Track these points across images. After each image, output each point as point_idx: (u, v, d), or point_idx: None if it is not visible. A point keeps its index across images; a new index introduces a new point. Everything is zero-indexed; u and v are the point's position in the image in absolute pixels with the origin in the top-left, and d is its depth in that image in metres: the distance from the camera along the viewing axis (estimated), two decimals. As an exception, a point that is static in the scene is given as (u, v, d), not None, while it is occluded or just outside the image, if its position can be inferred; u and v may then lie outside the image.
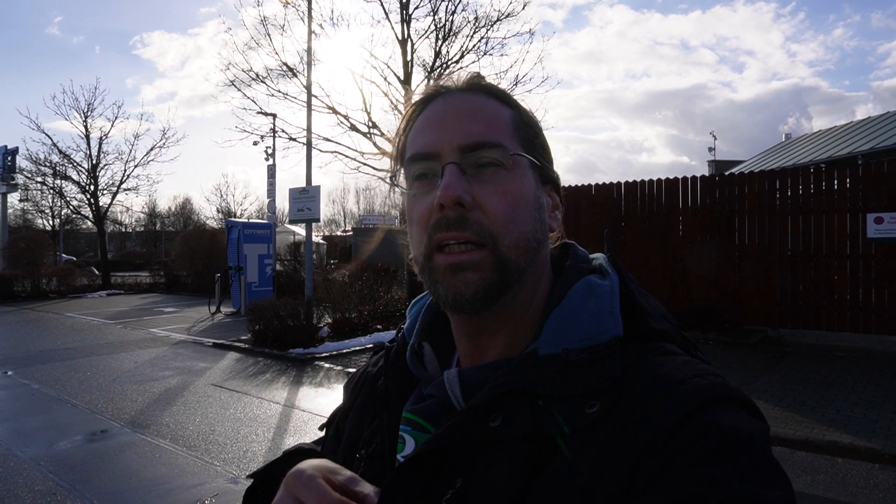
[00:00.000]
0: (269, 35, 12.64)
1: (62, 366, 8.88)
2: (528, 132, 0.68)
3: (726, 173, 10.70)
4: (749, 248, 9.73)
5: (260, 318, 10.37)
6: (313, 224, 11.84)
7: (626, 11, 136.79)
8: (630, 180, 10.92)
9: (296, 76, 12.72)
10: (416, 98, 0.71)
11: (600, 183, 11.29)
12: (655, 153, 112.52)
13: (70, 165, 24.38)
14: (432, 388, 0.68)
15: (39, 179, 25.53)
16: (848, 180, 9.02)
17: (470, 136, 0.64)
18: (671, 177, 10.51)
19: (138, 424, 5.95)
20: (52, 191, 26.55)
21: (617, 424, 0.54)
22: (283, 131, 13.89)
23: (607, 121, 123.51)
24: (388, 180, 0.75)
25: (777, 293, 9.39)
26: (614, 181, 11.10)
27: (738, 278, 9.73)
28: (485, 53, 12.89)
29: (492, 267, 0.62)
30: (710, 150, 35.98)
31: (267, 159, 19.78)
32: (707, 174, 10.69)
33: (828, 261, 9.10)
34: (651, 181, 10.69)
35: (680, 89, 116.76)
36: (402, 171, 0.70)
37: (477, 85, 0.70)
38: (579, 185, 11.52)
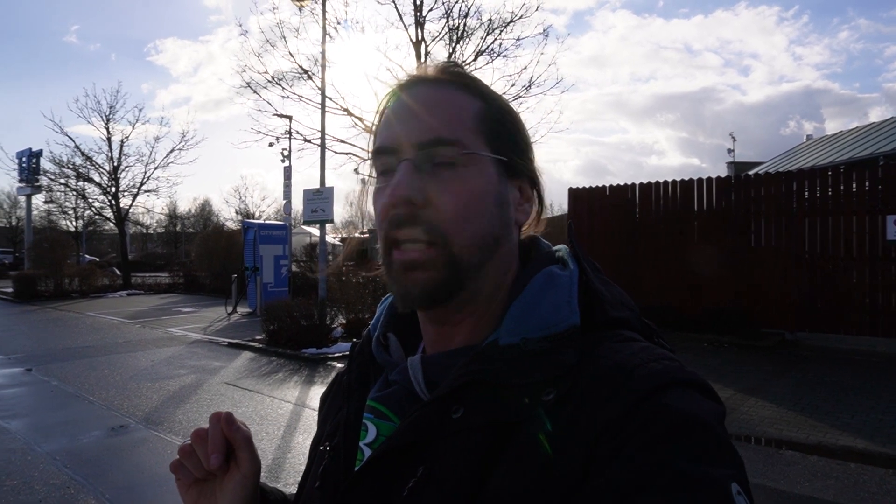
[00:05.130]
0: (284, 38, 12.78)
1: (81, 363, 9.06)
2: (495, 125, 0.66)
3: (742, 175, 10.58)
4: (766, 250, 9.61)
5: (274, 319, 10.47)
6: (330, 225, 11.94)
7: (628, 16, 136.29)
8: (644, 182, 10.84)
9: (310, 78, 12.84)
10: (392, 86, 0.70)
11: (614, 184, 11.24)
12: (666, 156, 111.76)
13: (92, 167, 24.85)
14: (396, 374, 0.70)
15: (63, 181, 25.95)
16: (867, 182, 8.87)
17: (428, 132, 0.63)
18: (686, 178, 10.43)
19: (152, 421, 6.05)
20: (74, 192, 27.03)
21: (572, 410, 0.55)
22: (297, 133, 14.03)
23: (616, 123, 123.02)
24: (357, 175, 0.75)
25: (794, 296, 9.25)
26: (628, 183, 11.05)
27: (754, 281, 9.60)
28: (498, 55, 12.90)
29: (443, 265, 0.62)
30: (729, 151, 35.56)
31: (283, 161, 19.96)
32: (724, 176, 10.58)
33: (846, 263, 8.95)
34: (666, 182, 10.61)
35: (688, 92, 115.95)
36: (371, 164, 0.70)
37: (447, 74, 0.68)
38: (593, 186, 11.48)
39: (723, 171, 32.51)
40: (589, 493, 0.51)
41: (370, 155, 0.70)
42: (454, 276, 0.63)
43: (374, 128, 0.70)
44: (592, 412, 0.54)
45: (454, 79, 0.68)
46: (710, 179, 10.21)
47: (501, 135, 0.67)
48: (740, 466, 0.52)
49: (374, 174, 0.70)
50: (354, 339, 0.82)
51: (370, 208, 0.69)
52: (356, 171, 0.73)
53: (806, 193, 9.34)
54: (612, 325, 0.64)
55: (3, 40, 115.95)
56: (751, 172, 11.54)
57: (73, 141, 25.28)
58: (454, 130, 0.64)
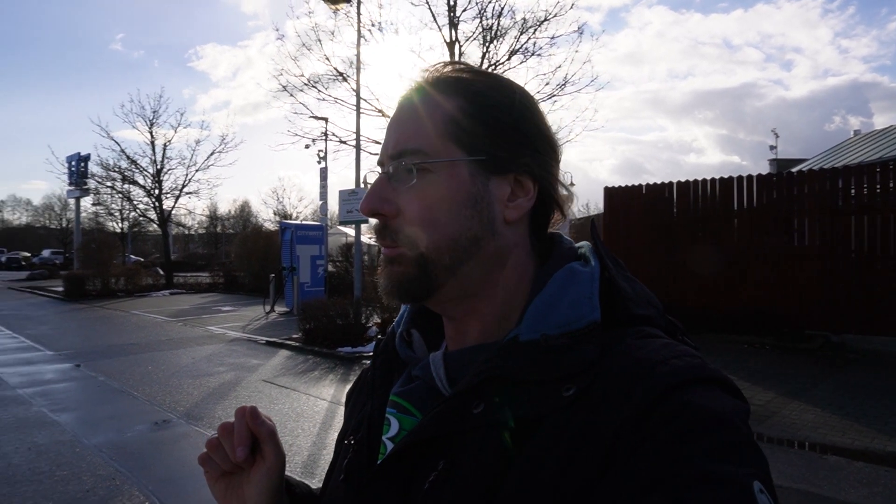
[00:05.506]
0: (319, 41, 12.96)
1: (126, 360, 9.38)
2: (474, 123, 0.66)
3: (785, 172, 10.27)
4: (809, 249, 9.30)
5: (310, 318, 10.64)
6: (365, 226, 12.07)
7: (664, 12, 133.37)
8: (682, 180, 10.62)
9: (346, 81, 12.99)
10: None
11: (651, 183, 11.05)
12: (705, 153, 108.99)
13: (137, 170, 25.67)
14: (418, 369, 0.71)
15: (109, 184, 26.84)
16: (918, 178, 8.50)
17: (396, 144, 0.66)
18: (725, 176, 10.18)
19: (193, 416, 6.23)
20: (120, 195, 27.94)
21: (593, 407, 0.55)
22: (333, 135, 14.21)
23: (654, 121, 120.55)
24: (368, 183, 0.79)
25: (840, 297, 8.93)
26: (665, 181, 10.84)
27: (797, 281, 9.30)
28: (532, 54, 12.82)
29: (413, 262, 0.65)
30: (772, 148, 34.59)
31: (319, 162, 20.23)
32: (765, 173, 10.28)
33: (896, 263, 8.60)
34: (705, 181, 10.37)
35: (728, 88, 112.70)
36: None
37: (431, 77, 0.69)
38: (630, 185, 11.32)
39: (764, 169, 31.58)
40: (608, 488, 0.51)
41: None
42: (425, 274, 0.65)
43: None
44: (612, 408, 0.54)
45: (438, 80, 0.68)
46: (750, 177, 9.94)
47: (483, 132, 0.66)
48: (764, 465, 0.51)
49: None
50: (379, 336, 0.84)
51: None
52: (364, 180, 0.75)
53: (853, 190, 9.00)
54: (634, 321, 0.63)
55: (53, 50, 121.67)
56: (794, 169, 11.19)
57: (119, 145, 26.23)
58: (417, 140, 0.65)
